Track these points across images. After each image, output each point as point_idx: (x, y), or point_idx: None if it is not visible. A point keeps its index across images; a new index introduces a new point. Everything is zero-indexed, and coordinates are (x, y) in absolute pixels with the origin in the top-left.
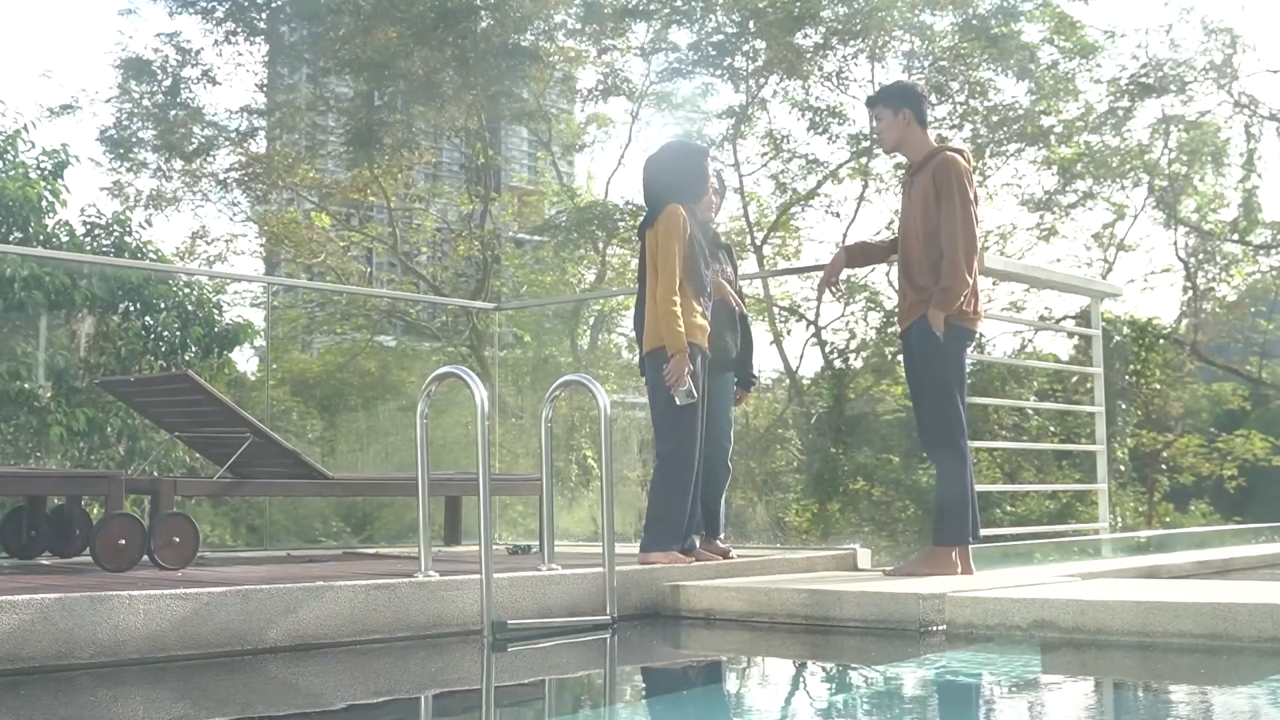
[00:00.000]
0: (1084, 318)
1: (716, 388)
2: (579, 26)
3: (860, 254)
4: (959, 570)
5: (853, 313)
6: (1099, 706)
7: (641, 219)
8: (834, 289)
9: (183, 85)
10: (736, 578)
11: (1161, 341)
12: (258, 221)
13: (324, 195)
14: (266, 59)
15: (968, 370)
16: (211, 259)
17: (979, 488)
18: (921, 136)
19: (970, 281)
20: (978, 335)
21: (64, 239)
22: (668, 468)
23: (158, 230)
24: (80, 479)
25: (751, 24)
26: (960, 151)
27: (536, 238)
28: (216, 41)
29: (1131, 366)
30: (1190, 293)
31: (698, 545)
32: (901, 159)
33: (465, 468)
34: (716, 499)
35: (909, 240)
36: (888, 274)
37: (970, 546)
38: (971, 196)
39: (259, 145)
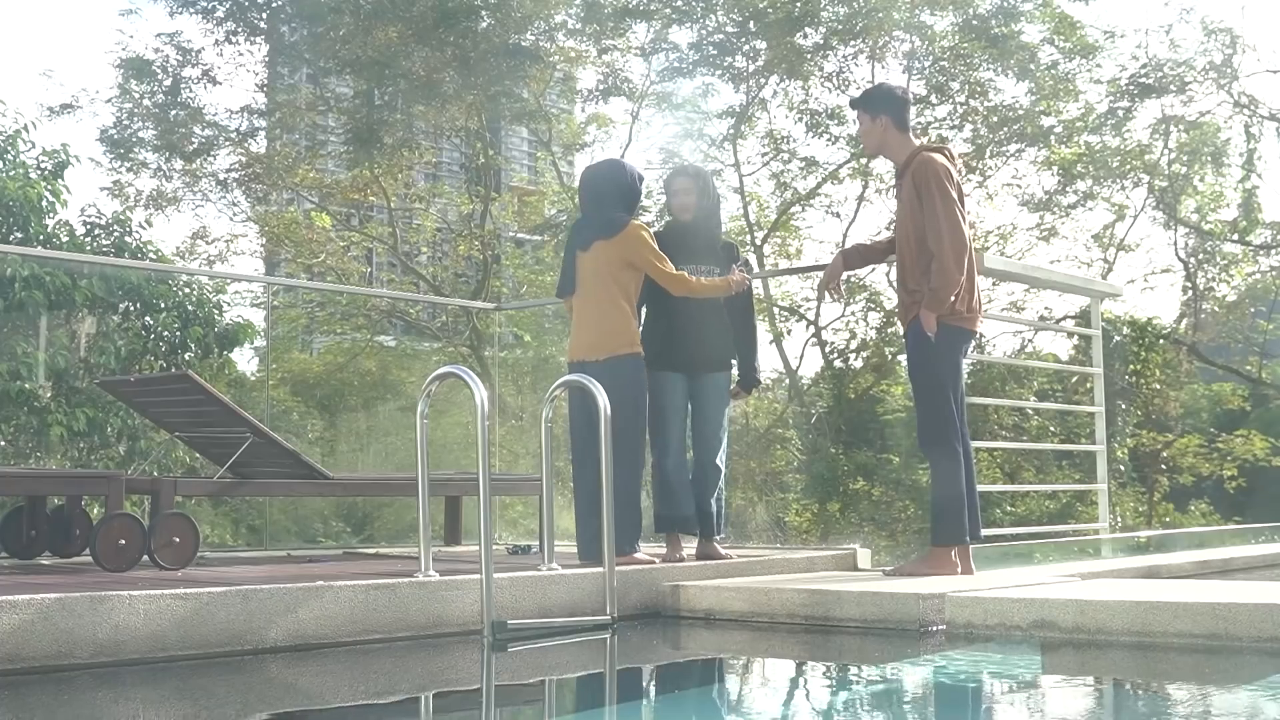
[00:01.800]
0: (1084, 318)
1: (704, 388)
2: (579, 26)
3: (858, 256)
4: (959, 570)
5: (853, 313)
6: (1099, 706)
7: (589, 227)
8: (834, 293)
9: (183, 85)
10: (736, 578)
11: (1161, 341)
12: (258, 221)
13: (324, 195)
14: (267, 59)
15: (966, 370)
16: (211, 259)
17: (979, 487)
18: (902, 139)
19: (959, 280)
20: (976, 334)
21: (64, 239)
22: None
23: (158, 230)
24: (80, 479)
25: (752, 24)
26: (940, 149)
27: (536, 238)
28: (217, 41)
29: (1131, 366)
30: (1190, 293)
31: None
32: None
33: (465, 468)
34: (706, 499)
35: (902, 243)
36: (888, 274)
37: (971, 546)
38: (954, 194)
39: (259, 145)
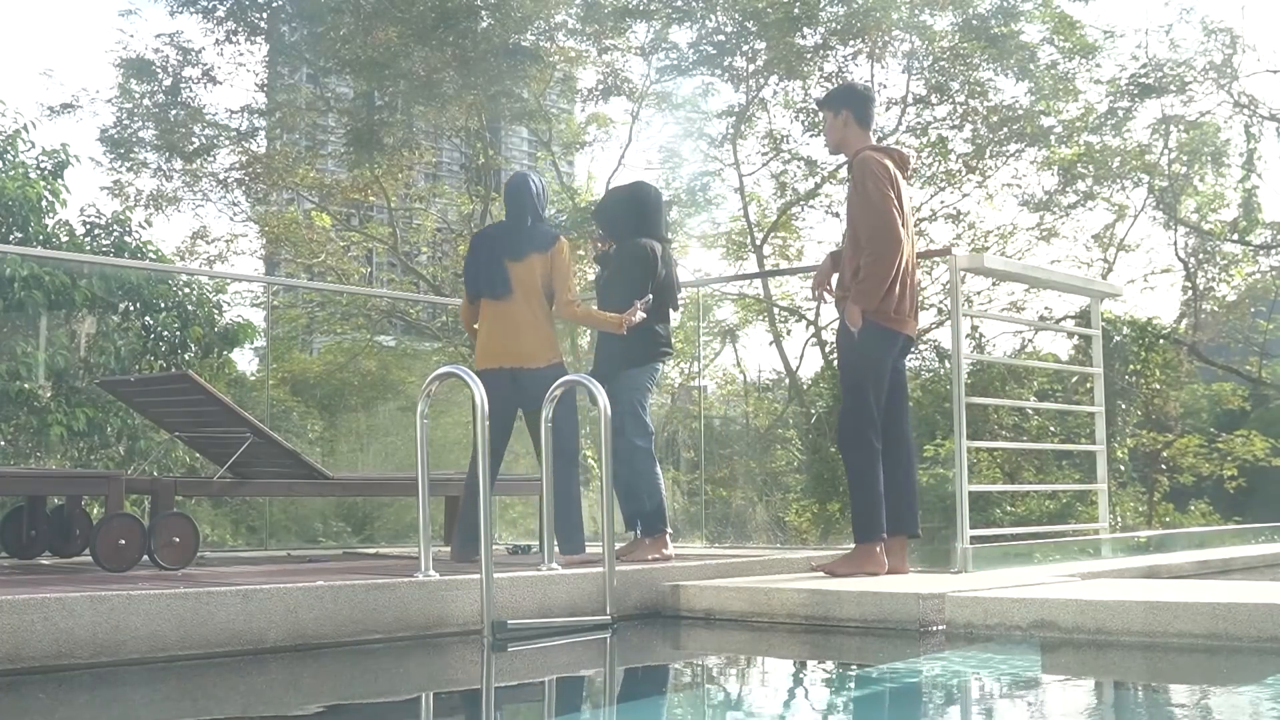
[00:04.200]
0: (1084, 318)
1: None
2: (579, 26)
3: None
4: (885, 568)
5: None
6: (1099, 706)
7: (524, 240)
8: (827, 294)
9: (183, 85)
10: (736, 578)
11: (1161, 341)
12: (258, 221)
13: (324, 195)
14: (267, 59)
15: (966, 370)
16: (211, 259)
17: (979, 487)
18: (860, 136)
19: (888, 276)
20: (910, 338)
21: (64, 239)
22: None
23: (158, 230)
24: (80, 479)
25: (751, 24)
26: (883, 149)
27: None
28: (217, 41)
29: (1131, 366)
30: (1190, 293)
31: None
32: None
33: (465, 468)
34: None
35: (845, 241)
36: None
37: (899, 541)
38: (890, 193)
39: (259, 145)
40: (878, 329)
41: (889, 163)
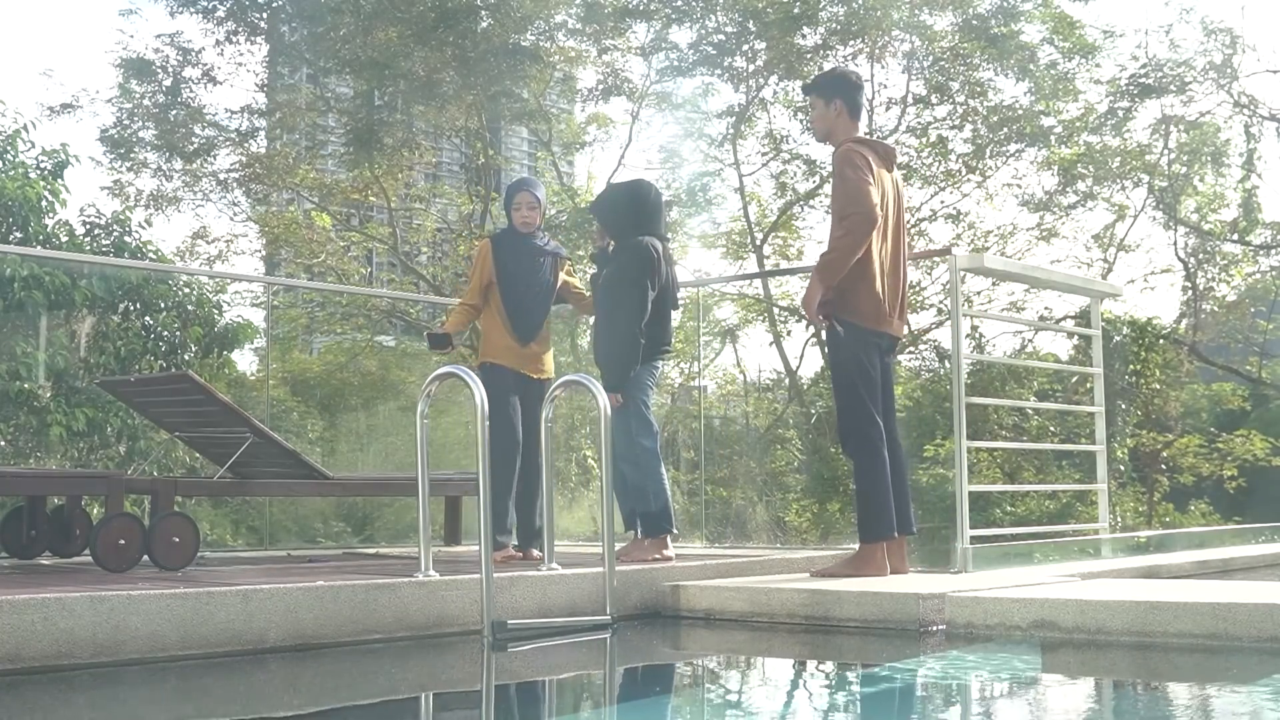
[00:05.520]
0: (1084, 318)
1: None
2: (579, 26)
3: None
4: (887, 572)
5: None
6: (1099, 706)
7: None
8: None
9: (183, 85)
10: (736, 578)
11: (1161, 341)
12: (258, 221)
13: (324, 195)
14: (267, 59)
15: (966, 369)
16: (211, 259)
17: (979, 487)
18: (850, 126)
19: (856, 251)
20: (885, 336)
21: (64, 239)
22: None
23: (158, 230)
24: (80, 479)
25: (751, 24)
26: (867, 143)
27: None
28: (217, 41)
29: (1131, 366)
30: (1190, 293)
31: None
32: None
33: (465, 468)
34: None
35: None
36: None
37: (899, 541)
38: (868, 177)
39: (259, 145)
40: (858, 329)
41: (870, 155)
